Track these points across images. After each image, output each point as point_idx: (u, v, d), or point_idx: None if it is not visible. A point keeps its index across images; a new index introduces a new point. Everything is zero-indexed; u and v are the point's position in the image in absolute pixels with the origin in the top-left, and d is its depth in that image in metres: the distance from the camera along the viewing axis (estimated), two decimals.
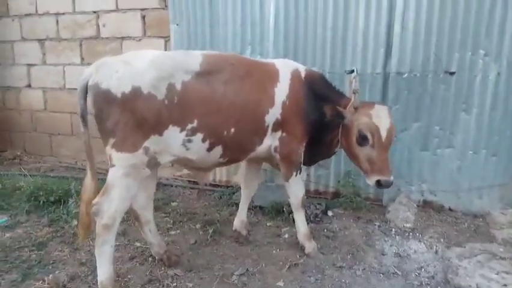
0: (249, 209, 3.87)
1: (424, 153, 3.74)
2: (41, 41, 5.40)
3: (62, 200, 3.96)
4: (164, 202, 4.17)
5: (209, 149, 2.62)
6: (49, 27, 5.28)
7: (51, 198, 3.97)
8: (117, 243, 3.27)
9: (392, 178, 2.65)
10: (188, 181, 4.73)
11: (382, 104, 2.82)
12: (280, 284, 2.78)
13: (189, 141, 2.53)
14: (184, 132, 2.50)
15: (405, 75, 3.62)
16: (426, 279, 2.80)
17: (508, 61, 3.36)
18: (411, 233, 3.40)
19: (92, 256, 3.12)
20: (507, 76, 3.39)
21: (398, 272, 2.90)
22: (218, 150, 2.65)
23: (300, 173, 3.00)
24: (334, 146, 3.01)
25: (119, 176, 2.41)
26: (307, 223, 3.54)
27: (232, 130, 2.62)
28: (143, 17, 4.67)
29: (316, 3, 3.76)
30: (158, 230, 3.08)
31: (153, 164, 2.51)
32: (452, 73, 3.50)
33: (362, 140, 2.67)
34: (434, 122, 3.65)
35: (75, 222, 3.59)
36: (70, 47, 5.21)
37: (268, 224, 3.66)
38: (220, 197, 4.22)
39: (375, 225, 3.58)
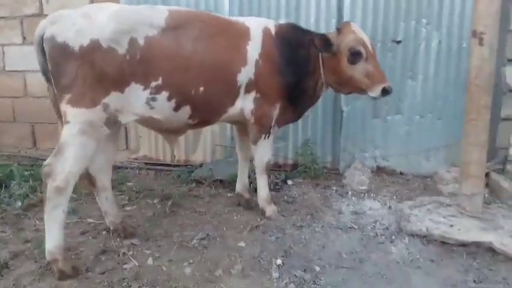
0: (209, 184, 3.86)
1: (376, 120, 3.91)
2: None
3: (4, 184, 3.67)
4: (119, 182, 3.98)
5: (176, 109, 2.54)
6: None
7: None
8: (67, 221, 3.09)
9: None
10: (145, 163, 4.58)
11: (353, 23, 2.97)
12: (242, 244, 2.76)
13: (153, 99, 2.44)
14: (148, 90, 2.42)
15: None
16: (381, 230, 2.91)
17: (447, 30, 3.60)
18: (366, 194, 3.53)
19: (37, 233, 2.94)
20: (447, 44, 3.64)
21: (354, 226, 2.99)
22: (186, 110, 2.58)
23: (268, 137, 2.99)
24: (318, 91, 3.02)
25: (74, 134, 2.27)
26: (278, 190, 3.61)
27: (201, 89, 2.55)
28: None
29: None
30: None
31: (112, 122, 2.39)
32: (398, 42, 3.69)
33: (356, 56, 2.72)
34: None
35: (19, 203, 3.35)
36: (9, 26, 4.85)
37: (228, 195, 3.62)
38: (179, 176, 4.11)
39: (332, 189, 3.68)
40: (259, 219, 3.12)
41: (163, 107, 2.50)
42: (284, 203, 3.41)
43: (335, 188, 3.70)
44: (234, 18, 2.92)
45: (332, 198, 3.49)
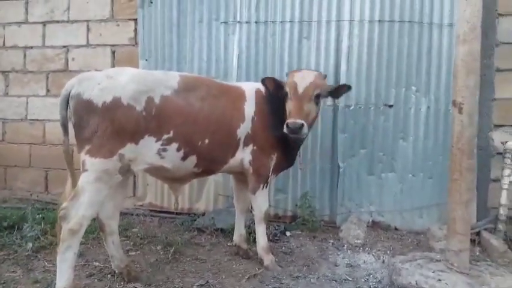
0: (211, 232, 4.03)
1: (371, 177, 4.14)
2: (5, 73, 5.46)
3: (16, 226, 3.87)
4: (124, 228, 4.16)
5: (183, 158, 2.83)
6: (15, 60, 5.39)
7: (5, 224, 3.87)
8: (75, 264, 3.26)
9: (299, 120, 2.80)
10: (150, 210, 4.77)
11: (314, 71, 3.27)
12: None
13: (164, 150, 2.74)
14: (160, 142, 2.72)
15: (352, 107, 4.10)
16: (374, 283, 3.04)
17: (435, 96, 3.96)
18: (361, 248, 3.66)
19: (47, 274, 3.09)
20: (435, 109, 3.97)
21: (349, 278, 3.11)
22: (192, 159, 2.87)
23: (267, 187, 3.23)
24: None
25: (91, 181, 2.54)
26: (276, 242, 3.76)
27: (206, 141, 2.87)
28: (113, 52, 4.96)
29: (274, 44, 4.26)
30: None
31: (125, 170, 2.66)
32: (390, 106, 4.04)
33: (285, 95, 3.02)
34: (377, 149, 4.10)
35: (30, 245, 3.53)
36: (35, 79, 5.32)
37: (229, 244, 3.76)
38: (182, 223, 4.28)
39: (329, 242, 3.82)
40: (257, 269, 3.24)
41: (172, 156, 2.79)
42: (282, 254, 3.55)
43: (331, 241, 3.84)
44: (232, 83, 3.37)
45: (329, 251, 3.62)
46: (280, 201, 4.33)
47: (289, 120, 2.84)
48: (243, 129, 3.06)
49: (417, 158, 4.03)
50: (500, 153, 4.01)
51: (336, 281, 3.09)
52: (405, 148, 4.04)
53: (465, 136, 2.81)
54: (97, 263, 3.31)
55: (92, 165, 2.54)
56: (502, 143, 3.96)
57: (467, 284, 2.69)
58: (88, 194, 2.53)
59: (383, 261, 3.37)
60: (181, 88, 2.82)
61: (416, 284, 2.77)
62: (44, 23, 5.15)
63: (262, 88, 3.23)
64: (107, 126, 2.54)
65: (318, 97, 3.00)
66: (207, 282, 3.01)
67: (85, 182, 2.54)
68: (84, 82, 2.61)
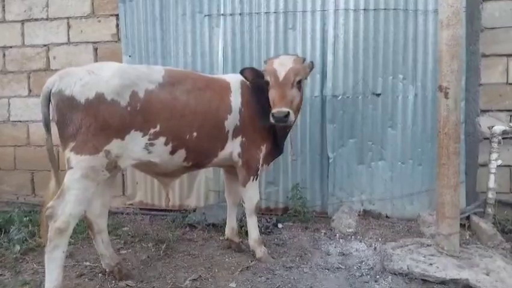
0: (203, 227, 4.00)
1: (361, 167, 4.15)
2: None
3: (3, 229, 3.79)
4: (114, 227, 4.10)
5: (172, 152, 2.79)
6: None
7: None
8: (64, 265, 3.19)
9: (284, 109, 2.75)
10: (140, 208, 4.72)
11: (292, 55, 3.21)
12: (233, 285, 2.87)
13: (151, 144, 2.69)
14: (147, 137, 2.67)
15: (339, 97, 4.10)
16: (366, 270, 3.04)
17: (422, 83, 3.97)
18: (353, 236, 3.67)
19: (35, 275, 3.03)
20: (422, 96, 3.99)
21: (341, 266, 3.12)
22: (181, 153, 2.83)
23: (257, 179, 3.21)
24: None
25: (77, 178, 2.48)
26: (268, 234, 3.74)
27: (195, 134, 2.83)
28: (96, 49, 4.86)
29: (260, 36, 4.23)
30: None
31: (112, 167, 2.61)
32: (378, 94, 4.04)
33: (266, 84, 2.97)
34: (366, 138, 4.11)
35: (17, 248, 3.45)
36: (16, 79, 5.19)
37: (221, 238, 3.74)
38: (173, 220, 4.23)
39: (321, 232, 3.82)
40: (250, 261, 3.23)
41: (160, 151, 2.74)
42: (274, 246, 3.54)
43: (323, 231, 3.85)
44: (217, 76, 3.32)
45: (321, 241, 3.62)
46: (271, 193, 4.32)
47: (274, 110, 2.80)
48: (231, 121, 3.03)
49: (406, 145, 4.05)
50: (487, 138, 4.06)
51: (328, 269, 3.09)
52: (394, 136, 4.06)
53: (451, 120, 2.83)
54: (87, 263, 3.25)
55: (77, 163, 2.48)
56: (489, 127, 4.00)
57: (457, 266, 2.73)
58: (74, 192, 2.48)
59: (375, 249, 3.38)
60: (166, 82, 2.77)
61: (408, 268, 2.80)
62: (22, 22, 5.02)
63: None
64: (91, 122, 2.48)
65: (299, 82, 2.97)
66: (200, 276, 2.99)
67: (71, 180, 2.49)
68: (65, 78, 2.54)
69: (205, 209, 4.21)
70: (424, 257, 2.88)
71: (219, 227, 3.93)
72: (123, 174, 4.82)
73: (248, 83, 3.17)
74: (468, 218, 3.94)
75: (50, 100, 2.54)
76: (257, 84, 3.10)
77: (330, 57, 4.08)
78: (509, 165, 4.22)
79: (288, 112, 2.78)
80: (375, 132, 4.09)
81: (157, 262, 3.27)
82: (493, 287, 2.49)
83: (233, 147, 3.09)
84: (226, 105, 3.03)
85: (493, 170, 3.93)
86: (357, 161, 4.16)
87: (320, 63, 4.11)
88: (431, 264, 2.77)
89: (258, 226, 3.71)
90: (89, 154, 2.48)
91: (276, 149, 3.30)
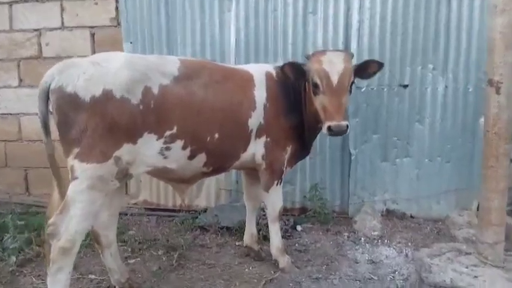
0: (215, 231, 3.70)
1: (385, 164, 3.86)
2: None
3: None
4: (120, 231, 3.72)
5: (191, 157, 2.45)
6: None
7: None
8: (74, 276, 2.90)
9: (344, 123, 2.45)
10: (145, 208, 4.40)
11: (339, 50, 2.76)
12: None
13: (167, 148, 2.35)
14: (162, 140, 2.32)
15: (363, 89, 3.77)
16: (401, 281, 2.81)
17: (453, 75, 3.66)
18: (379, 240, 3.42)
19: None
20: (453, 88, 3.68)
21: (374, 277, 2.87)
22: (201, 158, 2.50)
23: (281, 183, 2.91)
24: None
25: (83, 190, 2.14)
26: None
27: (216, 136, 2.49)
28: (93, 35, 4.44)
29: (276, 22, 3.84)
30: None
31: (123, 175, 2.27)
32: (405, 86, 3.72)
33: (315, 87, 2.57)
34: (391, 133, 3.81)
35: (13, 259, 3.11)
36: (5, 68, 4.75)
37: (237, 244, 3.45)
38: (182, 222, 3.92)
39: (344, 236, 3.56)
40: (272, 272, 2.96)
41: (178, 156, 2.41)
42: (296, 253, 3.27)
43: (346, 234, 3.58)
44: (238, 67, 2.94)
45: (346, 246, 3.36)
46: (287, 193, 4.00)
47: (332, 123, 2.45)
48: (255, 119, 2.68)
49: (434, 141, 3.76)
50: None
51: (359, 280, 2.84)
52: (421, 131, 3.76)
53: (503, 119, 2.52)
54: (92, 276, 2.96)
55: (83, 172, 2.14)
56: None
57: (506, 280, 2.46)
58: (80, 206, 2.14)
59: (406, 255, 3.13)
60: (182, 75, 2.41)
61: (451, 282, 2.52)
62: (10, 3, 4.54)
63: (272, 70, 2.86)
64: (98, 124, 2.12)
65: (352, 85, 2.62)
66: None
67: (76, 192, 2.15)
68: (66, 72, 2.17)
69: (217, 210, 3.90)
70: (467, 267, 2.61)
71: (233, 231, 3.64)
72: None
73: (274, 75, 2.82)
74: None
75: (48, 97, 2.18)
76: (286, 77, 2.74)
77: (354, 45, 3.73)
78: None
79: (347, 126, 2.45)
80: (401, 127, 3.79)
81: (170, 274, 2.98)
82: None
83: (256, 148, 2.76)
84: (250, 100, 2.67)
85: None
86: (380, 158, 3.87)
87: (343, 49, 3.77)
88: (476, 277, 2.50)
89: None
90: (96, 162, 2.14)
91: (303, 150, 2.97)
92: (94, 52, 4.41)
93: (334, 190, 3.97)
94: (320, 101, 2.59)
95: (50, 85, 2.16)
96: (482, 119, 3.61)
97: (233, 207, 3.93)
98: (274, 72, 2.85)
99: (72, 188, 2.16)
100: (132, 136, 2.23)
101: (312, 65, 2.61)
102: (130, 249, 3.37)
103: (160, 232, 3.78)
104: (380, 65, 2.69)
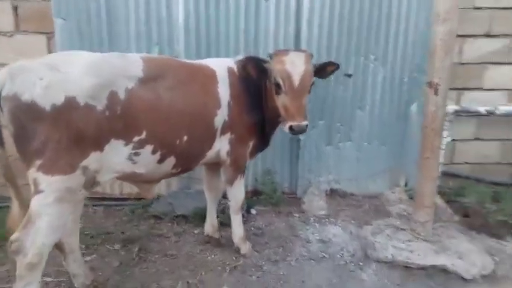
0: (171, 219, 3.72)
1: (329, 148, 4.16)
2: None
3: None
4: None
5: (160, 161, 2.42)
6: None
7: None
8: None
9: (304, 123, 2.59)
10: (89, 198, 4.19)
11: (299, 51, 2.83)
12: None
13: (136, 154, 2.29)
14: (130, 145, 2.25)
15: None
16: (349, 258, 3.14)
17: (391, 65, 3.98)
18: (327, 219, 3.74)
19: None
20: (390, 78, 4.02)
21: (325, 255, 3.18)
22: (170, 161, 2.47)
23: (243, 176, 3.00)
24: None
25: (49, 203, 2.03)
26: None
27: (185, 138, 2.47)
28: (15, 8, 3.90)
29: (228, 5, 3.75)
30: None
31: (91, 183, 2.19)
32: (349, 75, 3.97)
33: (277, 87, 2.65)
34: (336, 120, 4.08)
35: None
36: None
37: (195, 232, 3.53)
38: (133, 212, 3.86)
39: (295, 216, 3.83)
40: (234, 258, 3.12)
41: (147, 160, 2.37)
42: (254, 237, 3.45)
43: (296, 214, 3.85)
44: (198, 62, 2.86)
45: (297, 226, 3.63)
46: None
47: (294, 124, 2.57)
48: (220, 117, 2.69)
49: (373, 126, 4.12)
50: None
51: (313, 260, 3.13)
52: (362, 117, 4.09)
53: (439, 117, 2.90)
54: (48, 279, 2.82)
55: (49, 185, 2.02)
56: None
57: (434, 252, 2.96)
58: (47, 219, 2.04)
59: (351, 233, 3.49)
60: (146, 76, 2.31)
61: (392, 256, 2.96)
62: None
63: (233, 65, 2.85)
64: (62, 134, 1.99)
65: (311, 85, 2.72)
66: (188, 282, 2.81)
67: (42, 205, 2.03)
68: (19, 77, 1.96)
69: (170, 198, 3.90)
70: (403, 243, 3.06)
71: (189, 219, 3.70)
72: None
73: (235, 70, 2.82)
74: None
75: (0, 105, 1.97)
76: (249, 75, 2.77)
77: (304, 33, 3.83)
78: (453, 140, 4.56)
79: (307, 125, 2.60)
80: (344, 114, 4.07)
81: (133, 268, 2.98)
82: (466, 271, 2.76)
83: (221, 145, 2.79)
84: (215, 99, 2.67)
85: (443, 147, 4.26)
86: (325, 142, 4.14)
87: (294, 40, 3.86)
88: (411, 251, 2.96)
89: (226, 214, 3.62)
90: (63, 173, 2.03)
91: (264, 143, 3.08)
92: (16, 28, 3.92)
93: (283, 173, 4.19)
94: (281, 101, 2.68)
95: (1, 92, 1.94)
96: (413, 106, 4.10)
97: (187, 194, 3.97)
98: (235, 68, 2.85)
99: (37, 202, 2.03)
100: (99, 144, 2.13)
101: (275, 65, 2.66)
102: (84, 246, 3.24)
103: (111, 224, 3.70)
104: (337, 66, 2.85)
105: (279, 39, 3.87)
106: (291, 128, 2.62)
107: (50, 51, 3.95)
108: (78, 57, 2.17)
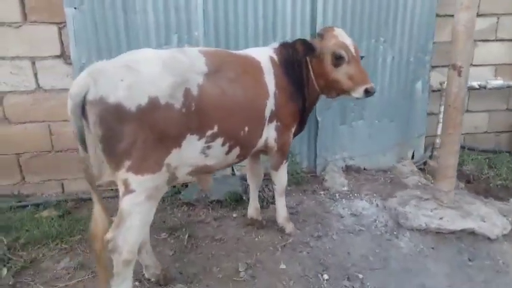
0: (205, 205, 3.83)
1: (343, 127, 4.41)
2: None
3: None
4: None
5: (228, 152, 2.53)
6: None
7: None
8: (81, 279, 2.81)
9: (372, 84, 2.93)
10: (111, 189, 4.18)
11: (336, 27, 3.11)
12: (283, 266, 2.96)
13: (208, 147, 2.38)
14: (204, 140, 2.34)
15: None
16: (383, 228, 3.45)
17: (399, 47, 4.26)
18: (351, 194, 4.04)
19: None
20: (399, 60, 4.30)
21: (362, 228, 3.46)
22: (236, 151, 2.59)
23: (287, 161, 3.16)
24: (315, 97, 3.18)
25: (140, 202, 2.11)
26: (268, 206, 3.81)
27: (246, 129, 2.58)
28: None
29: None
30: None
31: (172, 180, 2.27)
32: (362, 57, 4.17)
33: (338, 59, 2.87)
34: (349, 100, 4.30)
35: (5, 271, 2.83)
36: None
37: (234, 216, 3.69)
38: (163, 200, 3.92)
39: (320, 194, 4.08)
40: (280, 237, 3.32)
41: (217, 153, 2.48)
42: (291, 216, 3.63)
43: (322, 192, 4.10)
44: (243, 53, 2.92)
45: (326, 203, 3.88)
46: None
47: (368, 85, 2.88)
48: (269, 107, 2.80)
49: (383, 104, 4.41)
50: (435, 91, 4.72)
51: (352, 233, 3.41)
52: (373, 97, 4.34)
53: (460, 97, 3.21)
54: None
55: (139, 185, 2.09)
56: (440, 83, 4.63)
57: (460, 217, 3.33)
58: (138, 217, 2.13)
59: (377, 205, 3.81)
60: (210, 71, 2.37)
61: (425, 224, 3.30)
62: None
63: (273, 55, 2.95)
64: (148, 134, 2.05)
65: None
66: (247, 263, 2.98)
67: (133, 205, 2.11)
68: (101, 79, 1.97)
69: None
70: (431, 211, 3.41)
71: (224, 204, 3.83)
72: None
73: (276, 59, 2.93)
74: (425, 163, 4.70)
75: (83, 109, 1.98)
76: (289, 60, 2.90)
77: (319, 19, 3.97)
78: None
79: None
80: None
81: (189, 255, 3.10)
82: (491, 231, 3.17)
83: (268, 133, 2.91)
84: (264, 89, 2.77)
85: (441, 120, 4.66)
86: (340, 121, 4.39)
87: (310, 25, 3.99)
88: (441, 218, 3.31)
89: (264, 197, 3.81)
90: (152, 172, 2.11)
91: (302, 126, 3.25)
92: (24, 19, 3.71)
93: (302, 153, 4.42)
94: (344, 71, 2.89)
95: (85, 96, 1.95)
96: (418, 84, 4.42)
97: (215, 179, 4.05)
98: (275, 56, 2.95)
99: (128, 201, 2.11)
100: (178, 140, 2.21)
101: (329, 40, 2.87)
102: None
103: None
104: None
105: (296, 24, 4.00)
106: (366, 90, 2.89)
107: (62, 43, 3.81)
108: (147, 55, 2.19)
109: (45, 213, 3.63)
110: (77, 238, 3.30)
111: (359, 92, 2.92)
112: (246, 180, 4.05)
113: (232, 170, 4.33)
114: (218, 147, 2.45)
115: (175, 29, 3.81)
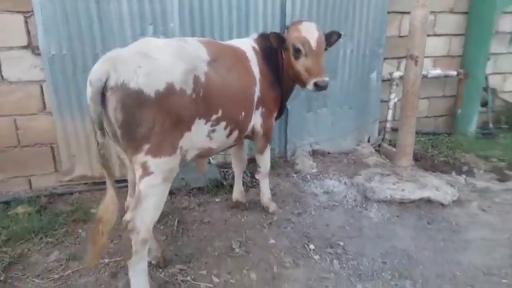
0: (186, 193, 3.94)
1: (309, 114, 4.76)
2: None
3: None
4: (83, 211, 3.60)
5: (228, 135, 2.70)
6: None
7: None
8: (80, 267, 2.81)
9: (326, 78, 2.94)
10: (84, 184, 4.10)
11: (309, 21, 3.23)
12: (272, 241, 3.21)
13: (213, 131, 2.54)
14: (209, 123, 2.51)
15: None
16: (353, 202, 3.84)
17: (357, 40, 4.69)
18: (320, 175, 4.39)
19: None
20: (356, 52, 4.74)
21: (335, 203, 3.83)
22: (235, 134, 2.77)
23: (270, 145, 3.39)
24: (292, 83, 3.28)
25: (158, 183, 2.24)
26: (247, 190, 4.02)
27: (243, 113, 2.76)
28: None
29: None
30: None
31: (183, 162, 2.40)
32: (325, 49, 4.54)
33: (297, 52, 2.98)
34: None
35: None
36: None
37: (217, 200, 3.84)
38: None
39: (293, 176, 4.39)
40: (264, 216, 3.56)
41: (220, 136, 2.65)
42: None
43: (294, 175, 4.41)
44: (230, 43, 3.10)
45: (300, 184, 4.20)
46: None
47: (318, 79, 2.91)
48: (256, 93, 3.02)
49: (343, 93, 4.82)
50: (385, 80, 5.26)
51: (327, 208, 3.75)
52: (334, 86, 4.75)
53: (417, 83, 3.68)
54: (106, 260, 2.91)
55: (157, 167, 2.20)
56: (390, 73, 5.19)
57: (418, 188, 3.83)
58: (154, 199, 2.25)
59: (345, 183, 4.20)
60: (211, 59, 2.53)
61: (390, 196, 3.75)
62: None
63: (255, 45, 3.16)
64: (165, 119, 2.17)
65: (325, 50, 3.14)
66: (239, 241, 3.17)
67: (151, 186, 2.22)
68: (120, 66, 2.06)
69: (181, 174, 4.06)
70: (393, 184, 3.87)
71: (205, 190, 3.97)
72: (52, 148, 3.99)
73: (257, 49, 3.14)
74: (379, 146, 5.23)
75: (103, 95, 2.06)
76: (267, 50, 3.13)
77: (289, 13, 4.24)
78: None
79: (328, 80, 2.96)
80: None
81: (182, 238, 3.23)
82: (444, 198, 3.71)
83: (255, 119, 3.12)
84: (252, 77, 2.98)
85: (391, 106, 5.23)
86: (306, 109, 4.72)
87: (280, 15, 4.25)
88: (403, 190, 3.78)
89: (243, 182, 4.02)
90: (168, 155, 2.23)
91: (281, 112, 3.49)
92: None
93: (274, 140, 4.68)
94: (302, 63, 3.00)
95: (105, 82, 2.02)
96: (373, 74, 4.90)
97: (194, 168, 4.16)
98: (257, 47, 3.16)
99: (146, 183, 2.21)
100: (189, 125, 2.36)
101: (292, 33, 3.04)
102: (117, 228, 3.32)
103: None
104: (339, 35, 3.31)
105: (267, 16, 4.23)
106: (315, 84, 2.95)
107: (29, 33, 3.65)
108: (158, 43, 2.31)
109: (20, 210, 3.49)
110: (62, 231, 3.25)
111: (310, 85, 2.99)
112: (223, 168, 4.26)
113: (209, 159, 4.46)
114: (221, 131, 2.62)
115: (150, 19, 3.84)
